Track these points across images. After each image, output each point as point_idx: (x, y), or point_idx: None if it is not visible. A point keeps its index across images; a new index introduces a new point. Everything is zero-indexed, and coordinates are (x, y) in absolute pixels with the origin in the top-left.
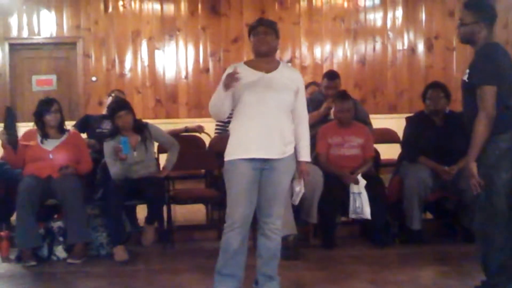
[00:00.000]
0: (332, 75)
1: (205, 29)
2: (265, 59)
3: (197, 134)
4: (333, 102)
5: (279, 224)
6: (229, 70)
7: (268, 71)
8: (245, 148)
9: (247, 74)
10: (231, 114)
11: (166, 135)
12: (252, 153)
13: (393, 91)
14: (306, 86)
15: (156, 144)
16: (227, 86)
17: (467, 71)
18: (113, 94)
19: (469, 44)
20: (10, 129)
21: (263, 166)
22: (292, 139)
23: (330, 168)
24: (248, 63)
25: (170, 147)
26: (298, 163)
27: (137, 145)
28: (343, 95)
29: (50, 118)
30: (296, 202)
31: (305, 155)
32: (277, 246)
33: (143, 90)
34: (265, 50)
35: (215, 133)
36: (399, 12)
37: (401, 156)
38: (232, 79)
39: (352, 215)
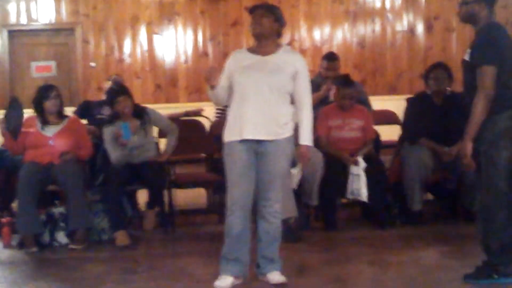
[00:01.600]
0: (331, 57)
1: (204, 13)
2: (264, 42)
3: (197, 118)
4: (333, 84)
5: (278, 207)
6: (232, 56)
7: (265, 54)
8: (238, 130)
9: (244, 58)
10: None
11: (165, 119)
12: (244, 134)
13: (392, 73)
14: None
15: (156, 129)
16: (207, 82)
17: (468, 50)
18: (111, 79)
19: (470, 24)
20: (16, 119)
21: (257, 148)
22: (289, 121)
23: (331, 150)
24: (249, 48)
25: (169, 131)
26: (298, 146)
27: (137, 130)
28: (346, 81)
29: (50, 104)
30: (294, 185)
31: (305, 139)
32: (277, 229)
33: (143, 75)
34: (258, 31)
35: (215, 117)
36: None
37: (401, 138)
38: (209, 76)
39: (349, 196)
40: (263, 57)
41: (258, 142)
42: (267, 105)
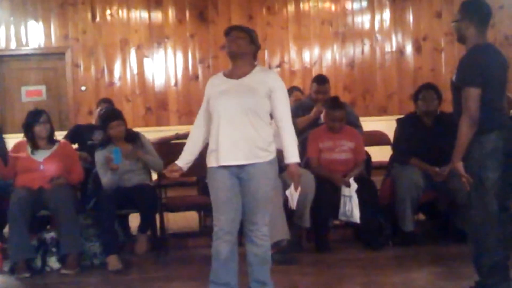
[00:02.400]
0: (321, 80)
1: (194, 36)
2: (240, 63)
3: None
4: (323, 106)
5: (266, 231)
6: (209, 81)
7: (239, 77)
8: (216, 156)
9: (220, 83)
10: None
11: (155, 153)
12: (220, 160)
13: (383, 93)
14: (289, 93)
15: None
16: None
17: (455, 71)
18: (100, 106)
19: (462, 43)
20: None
21: (238, 173)
22: (270, 143)
23: (322, 172)
24: (225, 72)
25: (154, 166)
26: (286, 166)
27: (129, 155)
28: (335, 104)
29: (40, 129)
30: (293, 206)
31: (292, 157)
32: (266, 252)
33: (133, 98)
34: (234, 50)
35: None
36: (387, 14)
37: (392, 158)
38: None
39: (341, 217)
40: (237, 81)
41: (239, 167)
42: (244, 129)
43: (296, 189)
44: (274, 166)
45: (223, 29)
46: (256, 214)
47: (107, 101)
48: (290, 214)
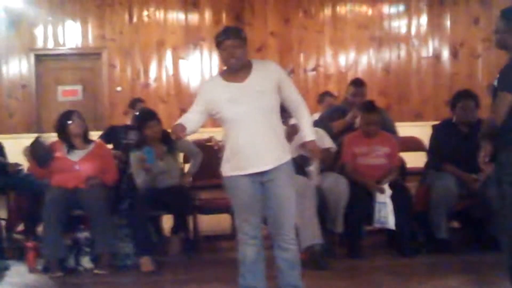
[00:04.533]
0: (359, 83)
1: None
2: (240, 70)
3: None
4: (358, 110)
5: (293, 234)
6: (206, 85)
7: (242, 79)
8: (241, 164)
9: (222, 89)
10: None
11: (190, 144)
12: (245, 169)
13: (418, 99)
14: (321, 98)
15: (181, 154)
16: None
17: (497, 76)
18: (137, 106)
19: (504, 50)
20: (42, 160)
21: (261, 179)
22: (286, 142)
23: (356, 177)
24: (223, 75)
25: (193, 155)
26: (306, 144)
27: (163, 156)
28: (370, 107)
29: (73, 126)
30: (315, 181)
31: (309, 135)
32: (295, 256)
33: (168, 99)
34: (234, 64)
35: None
36: (424, 19)
37: (427, 165)
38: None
39: (376, 224)
40: (242, 84)
41: (261, 173)
42: (265, 132)
43: (319, 165)
44: (292, 167)
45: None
46: (282, 218)
47: (141, 101)
48: (323, 219)
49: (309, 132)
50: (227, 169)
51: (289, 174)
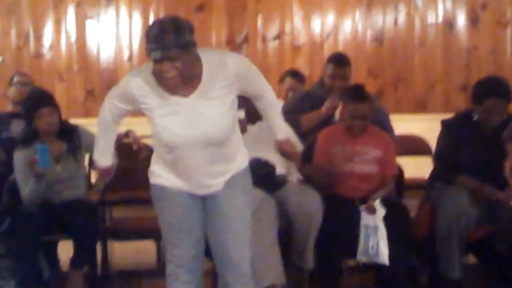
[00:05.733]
0: (340, 61)
1: None
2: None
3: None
4: (340, 99)
5: (246, 269)
6: (132, 83)
7: (186, 93)
8: (179, 181)
9: (156, 100)
10: None
11: None
12: (180, 187)
13: (422, 82)
14: (283, 79)
15: (87, 155)
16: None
17: None
18: (15, 80)
19: None
20: None
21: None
22: (241, 149)
23: (333, 190)
24: (159, 79)
25: None
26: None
27: (62, 157)
28: (359, 94)
29: None
30: (294, 180)
31: (281, 132)
32: None
33: (69, 76)
34: (173, 83)
35: None
36: None
37: (433, 175)
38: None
39: (361, 257)
40: (185, 100)
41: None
42: (213, 161)
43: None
44: (248, 175)
45: None
46: (230, 241)
47: (21, 77)
48: (287, 250)
49: (279, 129)
50: (157, 177)
51: (243, 184)
